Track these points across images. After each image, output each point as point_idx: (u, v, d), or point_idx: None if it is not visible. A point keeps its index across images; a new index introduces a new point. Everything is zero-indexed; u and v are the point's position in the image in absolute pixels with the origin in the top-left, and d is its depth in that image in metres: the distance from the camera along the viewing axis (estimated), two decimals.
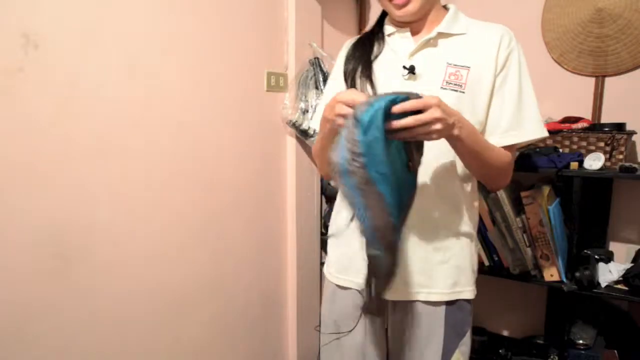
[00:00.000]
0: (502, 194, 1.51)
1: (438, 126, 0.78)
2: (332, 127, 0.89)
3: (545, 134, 0.99)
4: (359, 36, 1.12)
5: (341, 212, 1.09)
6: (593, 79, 1.66)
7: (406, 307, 1.02)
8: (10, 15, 0.97)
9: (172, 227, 1.37)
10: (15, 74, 0.99)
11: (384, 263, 0.82)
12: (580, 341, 1.54)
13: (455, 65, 0.96)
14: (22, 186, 1.02)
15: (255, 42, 1.61)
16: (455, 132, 0.83)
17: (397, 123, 0.74)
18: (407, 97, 0.76)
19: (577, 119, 1.56)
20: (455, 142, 0.87)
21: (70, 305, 1.12)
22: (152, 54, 1.27)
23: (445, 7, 1.04)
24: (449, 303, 1.01)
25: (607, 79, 1.64)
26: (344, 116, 0.80)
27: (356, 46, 1.08)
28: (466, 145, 0.88)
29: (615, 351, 1.51)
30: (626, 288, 1.40)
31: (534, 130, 0.97)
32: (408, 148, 0.82)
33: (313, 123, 1.16)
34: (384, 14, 1.09)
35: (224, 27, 1.49)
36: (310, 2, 1.78)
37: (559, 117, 1.61)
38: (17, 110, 1.00)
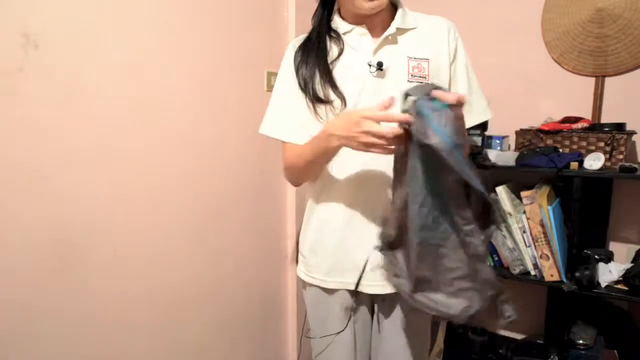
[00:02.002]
0: (502, 194, 1.52)
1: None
2: (335, 146, 0.89)
3: (490, 115, 1.07)
4: (304, 38, 1.07)
5: (329, 217, 1.06)
6: (593, 79, 1.66)
7: (395, 296, 1.03)
8: (10, 15, 0.97)
9: (172, 227, 1.37)
10: (15, 74, 0.99)
11: None
12: (580, 341, 1.54)
13: (416, 58, 0.99)
14: (22, 186, 1.02)
15: (255, 42, 1.61)
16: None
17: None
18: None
19: (577, 119, 1.56)
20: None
21: (70, 305, 1.12)
22: (151, 53, 1.27)
23: (392, 3, 1.04)
24: None
25: (607, 79, 1.64)
26: (375, 134, 0.80)
27: (306, 50, 1.03)
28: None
29: (615, 351, 1.51)
30: (626, 288, 1.40)
31: (486, 113, 1.05)
32: None
33: (267, 130, 1.07)
34: (327, 13, 1.06)
35: (224, 27, 1.49)
36: (310, 2, 1.77)
37: (559, 117, 1.61)
38: (17, 110, 1.00)
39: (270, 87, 1.67)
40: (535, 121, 1.66)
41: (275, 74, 1.68)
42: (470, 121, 1.01)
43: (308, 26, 1.10)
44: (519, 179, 1.67)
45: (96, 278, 1.17)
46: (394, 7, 1.03)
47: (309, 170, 1.04)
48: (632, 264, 1.45)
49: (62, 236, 1.10)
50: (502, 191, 1.51)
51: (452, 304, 0.81)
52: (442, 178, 0.78)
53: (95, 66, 1.13)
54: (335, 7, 1.06)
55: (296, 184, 1.15)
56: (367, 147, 0.83)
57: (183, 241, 1.41)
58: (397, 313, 1.06)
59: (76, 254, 1.13)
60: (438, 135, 0.73)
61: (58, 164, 1.08)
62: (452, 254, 0.81)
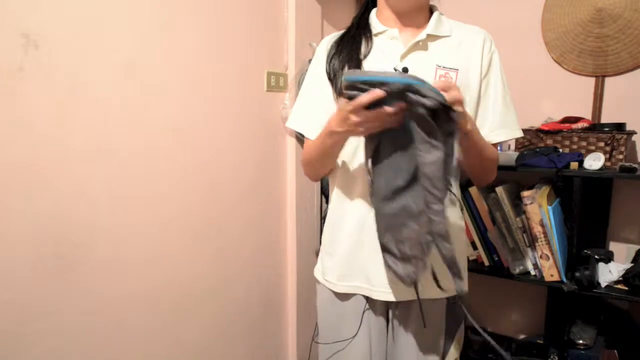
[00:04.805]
0: (502, 194, 1.51)
1: (460, 108, 0.78)
2: (338, 140, 0.91)
3: (522, 134, 1.06)
4: (341, 33, 1.07)
5: (343, 219, 1.05)
6: (593, 79, 1.66)
7: (409, 304, 1.02)
8: (10, 15, 0.97)
9: (172, 228, 1.37)
10: (15, 74, 0.99)
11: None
12: (580, 341, 1.54)
13: (445, 67, 0.97)
14: (22, 186, 1.02)
15: (255, 42, 1.61)
16: (469, 126, 0.84)
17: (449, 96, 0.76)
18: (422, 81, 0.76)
19: (577, 119, 1.56)
20: (466, 137, 0.87)
21: (70, 305, 1.12)
22: (151, 53, 1.27)
23: (430, 9, 1.03)
24: (448, 297, 1.03)
25: (607, 79, 1.64)
26: (361, 123, 0.80)
27: (341, 44, 1.03)
28: (474, 140, 0.90)
29: (615, 351, 1.51)
30: (626, 288, 1.41)
31: (516, 130, 1.03)
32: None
33: (293, 124, 1.10)
34: (367, 10, 1.06)
35: (224, 27, 1.49)
36: (310, 2, 1.78)
37: (559, 117, 1.61)
38: (17, 110, 1.00)
39: (270, 87, 1.67)
40: (535, 121, 1.66)
41: (275, 74, 1.70)
42: (502, 136, 1.01)
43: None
44: (519, 179, 1.67)
45: (96, 278, 1.17)
46: (431, 13, 1.02)
47: (322, 164, 1.05)
48: (632, 264, 1.45)
49: (62, 236, 1.10)
50: (502, 191, 1.51)
51: (401, 266, 0.89)
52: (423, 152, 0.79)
53: (95, 66, 1.13)
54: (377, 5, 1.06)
55: (314, 178, 1.15)
56: (370, 131, 0.83)
57: (183, 241, 1.41)
58: (411, 321, 1.03)
59: (76, 254, 1.13)
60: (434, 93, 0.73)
61: (58, 164, 1.08)
62: (412, 226, 0.85)
